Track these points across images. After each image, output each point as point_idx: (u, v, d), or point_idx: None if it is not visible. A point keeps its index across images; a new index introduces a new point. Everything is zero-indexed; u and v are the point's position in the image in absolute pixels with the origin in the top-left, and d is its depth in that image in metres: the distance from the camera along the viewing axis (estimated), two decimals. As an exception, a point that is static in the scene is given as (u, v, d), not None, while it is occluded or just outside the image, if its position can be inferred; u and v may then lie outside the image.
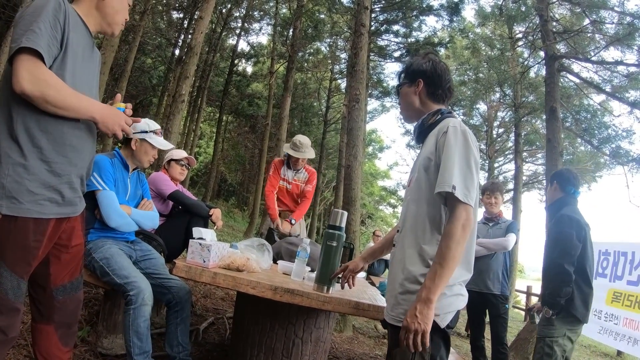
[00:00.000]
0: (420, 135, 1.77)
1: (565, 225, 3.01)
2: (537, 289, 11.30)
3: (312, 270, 2.73)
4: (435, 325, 1.49)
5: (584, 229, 3.05)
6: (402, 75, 1.87)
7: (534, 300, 10.66)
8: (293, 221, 4.50)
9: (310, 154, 4.52)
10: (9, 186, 1.49)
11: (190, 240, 2.32)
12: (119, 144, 2.83)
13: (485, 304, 4.18)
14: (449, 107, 1.81)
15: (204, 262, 2.24)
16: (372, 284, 5.68)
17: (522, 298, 14.46)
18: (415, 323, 1.44)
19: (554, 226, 3.11)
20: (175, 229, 3.36)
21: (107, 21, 1.79)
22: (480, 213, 4.41)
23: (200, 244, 2.28)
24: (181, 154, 3.66)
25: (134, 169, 2.86)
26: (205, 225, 3.38)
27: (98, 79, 1.89)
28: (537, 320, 3.58)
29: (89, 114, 1.60)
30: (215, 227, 3.55)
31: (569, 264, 2.94)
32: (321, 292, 2.15)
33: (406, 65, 1.87)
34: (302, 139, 4.52)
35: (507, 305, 4.20)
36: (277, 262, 2.96)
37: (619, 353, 7.42)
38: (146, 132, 2.80)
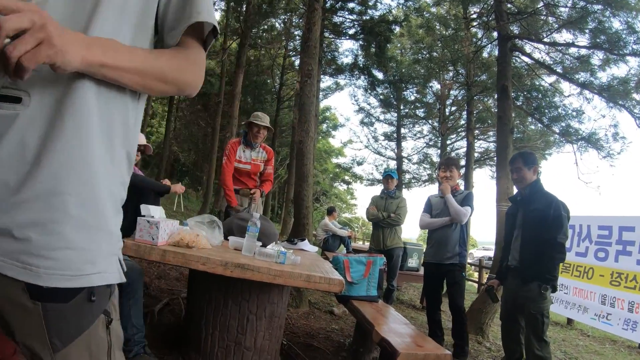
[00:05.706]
0: None
1: (561, 209, 3.33)
2: (487, 262, 11.74)
3: (263, 245, 2.73)
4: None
5: None
6: None
7: (485, 274, 11.06)
8: (264, 193, 4.67)
9: (267, 123, 4.66)
10: None
11: (139, 218, 2.27)
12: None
13: (443, 274, 4.31)
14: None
15: (153, 240, 2.20)
16: (327, 259, 5.75)
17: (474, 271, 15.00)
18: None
19: (547, 208, 3.35)
20: (125, 209, 3.26)
21: None
22: (435, 189, 4.53)
23: (148, 222, 2.22)
24: (140, 139, 3.53)
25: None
26: (156, 204, 3.31)
27: None
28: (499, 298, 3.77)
29: None
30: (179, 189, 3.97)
31: (565, 246, 3.31)
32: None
33: None
34: (260, 113, 4.69)
35: (463, 273, 4.33)
36: (228, 238, 2.93)
37: (569, 321, 7.85)
38: None
